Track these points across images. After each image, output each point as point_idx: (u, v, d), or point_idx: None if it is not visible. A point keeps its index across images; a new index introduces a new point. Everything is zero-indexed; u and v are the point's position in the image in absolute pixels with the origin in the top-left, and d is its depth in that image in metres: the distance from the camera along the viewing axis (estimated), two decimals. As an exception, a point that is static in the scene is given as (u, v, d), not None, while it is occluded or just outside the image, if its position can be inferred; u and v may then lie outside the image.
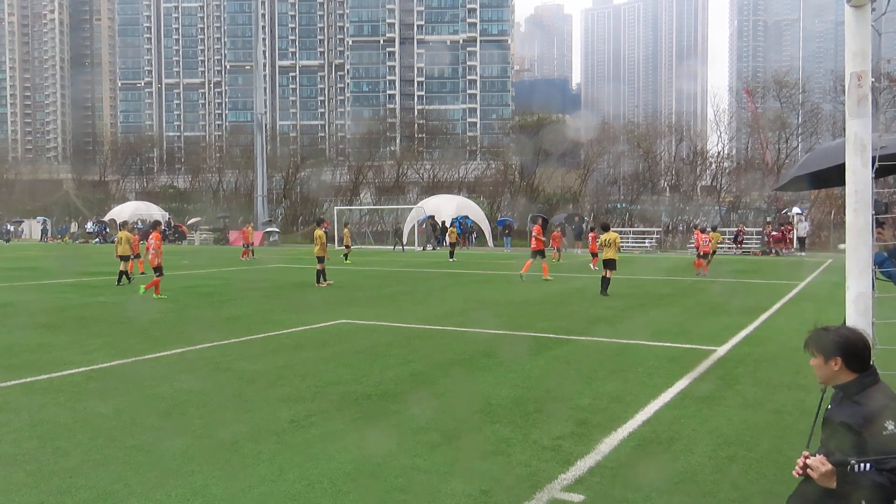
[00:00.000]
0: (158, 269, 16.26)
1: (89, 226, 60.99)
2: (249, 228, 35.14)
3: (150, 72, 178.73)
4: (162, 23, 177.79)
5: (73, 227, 63.58)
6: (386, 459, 5.07)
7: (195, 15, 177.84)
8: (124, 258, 19.78)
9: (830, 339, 3.39)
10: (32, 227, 65.68)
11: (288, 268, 27.26)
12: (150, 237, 16.87)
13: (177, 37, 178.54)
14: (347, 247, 30.79)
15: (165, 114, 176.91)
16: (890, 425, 3.10)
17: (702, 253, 22.62)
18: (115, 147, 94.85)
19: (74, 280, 21.23)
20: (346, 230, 32.32)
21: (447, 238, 37.51)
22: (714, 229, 28.60)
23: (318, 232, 19.81)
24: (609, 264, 16.86)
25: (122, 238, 20.14)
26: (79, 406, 6.63)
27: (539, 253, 20.84)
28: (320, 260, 19.14)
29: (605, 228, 18.29)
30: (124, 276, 19.53)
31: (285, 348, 9.73)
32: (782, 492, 4.48)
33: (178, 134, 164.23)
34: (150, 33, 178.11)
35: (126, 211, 62.59)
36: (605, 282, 16.65)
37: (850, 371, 3.34)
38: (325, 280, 19.15)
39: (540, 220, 23.01)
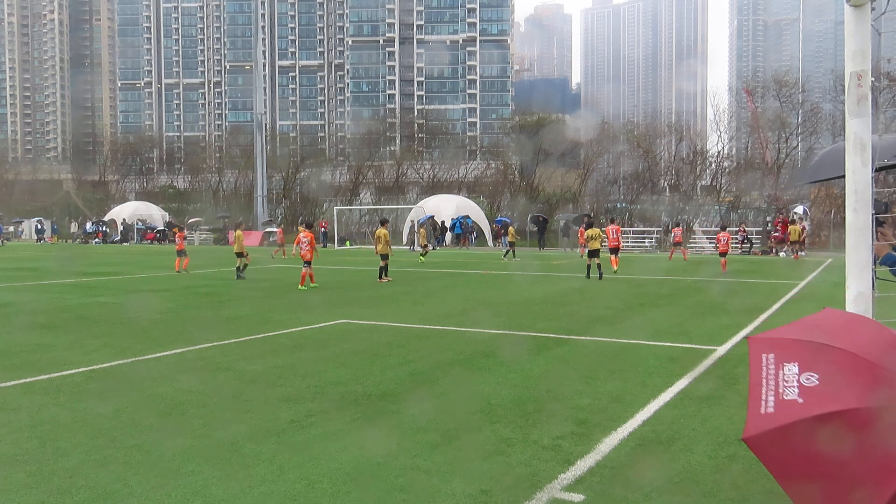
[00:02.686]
0: (308, 263, 18.55)
1: (89, 226, 61.02)
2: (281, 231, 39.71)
3: (149, 72, 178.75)
4: (162, 23, 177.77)
5: (74, 227, 63.60)
6: (386, 459, 5.07)
7: (195, 15, 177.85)
8: (239, 255, 21.70)
9: None
10: (31, 228, 65.72)
11: (288, 268, 27.24)
12: (302, 234, 19.31)
13: (176, 37, 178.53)
14: (424, 246, 31.72)
15: (165, 114, 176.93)
16: None
17: (721, 252, 24.71)
18: (114, 147, 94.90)
19: (74, 280, 21.23)
20: (421, 230, 34.33)
21: (507, 237, 36.61)
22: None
23: (382, 231, 21.17)
24: (593, 254, 20.85)
25: (238, 237, 22.36)
26: (79, 406, 6.63)
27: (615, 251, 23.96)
28: (383, 257, 20.38)
29: (590, 225, 22.25)
30: (242, 270, 21.49)
31: (285, 348, 9.73)
32: (782, 492, 4.48)
33: (178, 134, 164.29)
34: (150, 33, 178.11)
35: (126, 211, 62.66)
36: (598, 268, 20.65)
37: None
38: (386, 276, 20.22)
39: (586, 220, 26.53)
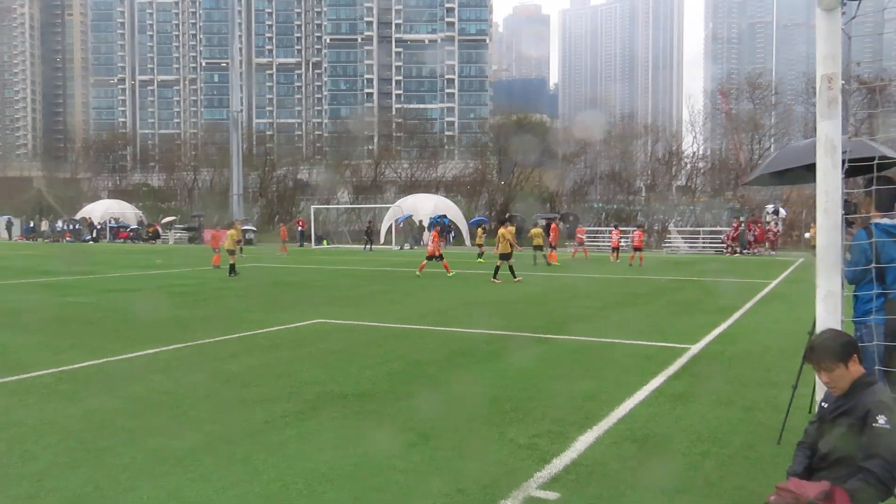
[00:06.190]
0: (431, 258, 22.16)
1: (59, 224, 60.15)
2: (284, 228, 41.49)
3: (123, 68, 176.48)
4: (136, 18, 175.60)
5: (44, 226, 62.60)
6: (362, 459, 5.06)
7: (170, 11, 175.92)
8: (231, 252, 22.26)
9: (841, 342, 3.47)
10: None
11: (264, 267, 27.07)
12: (431, 234, 23.62)
13: (151, 33, 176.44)
14: (480, 245, 31.93)
15: (139, 111, 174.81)
16: (881, 419, 3.19)
17: (635, 248, 28.86)
18: (87, 144, 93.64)
19: (44, 280, 20.91)
20: (479, 231, 34.80)
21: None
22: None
23: (502, 230, 21.66)
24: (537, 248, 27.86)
25: (230, 234, 22.86)
26: (48, 408, 6.53)
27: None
28: (503, 257, 20.64)
29: (502, 223, 24.26)
30: (232, 268, 21.89)
31: (261, 348, 9.66)
32: (754, 487, 4.54)
33: (153, 131, 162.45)
34: (124, 29, 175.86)
35: (99, 209, 61.82)
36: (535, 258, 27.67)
37: (860, 366, 3.43)
38: (496, 277, 20.38)
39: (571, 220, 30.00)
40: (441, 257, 22.37)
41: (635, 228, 32.70)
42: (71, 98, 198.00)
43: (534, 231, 28.23)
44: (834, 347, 3.42)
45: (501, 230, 21.62)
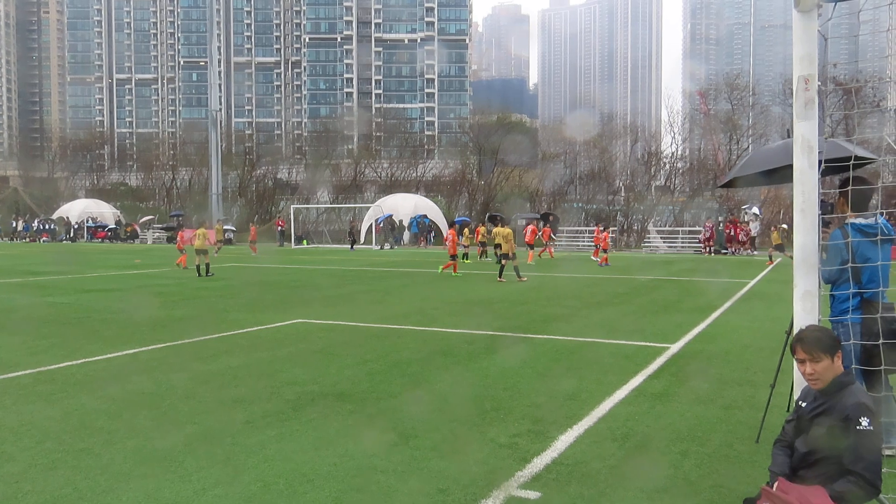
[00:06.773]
0: (453, 256, 22.67)
1: (35, 223, 59.40)
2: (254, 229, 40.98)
3: (100, 66, 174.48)
4: (113, 16, 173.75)
5: (19, 226, 61.72)
6: (342, 460, 5.05)
7: (148, 9, 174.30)
8: (201, 252, 21.46)
9: (831, 336, 3.52)
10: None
11: (244, 267, 26.91)
12: (448, 233, 24.00)
13: (129, 31, 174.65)
14: (466, 246, 31.73)
15: (117, 110, 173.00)
16: (864, 421, 3.23)
17: (595, 243, 28.86)
18: (64, 143, 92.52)
19: (22, 279, 20.63)
20: (465, 231, 34.25)
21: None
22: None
23: (500, 230, 21.81)
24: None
25: (199, 234, 21.99)
26: (26, 409, 6.45)
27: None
28: (504, 257, 21.09)
29: (500, 223, 24.39)
30: (204, 269, 21.27)
31: (240, 348, 9.59)
32: (733, 486, 4.59)
33: (130, 130, 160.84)
34: (101, 27, 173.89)
35: (76, 209, 61.13)
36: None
37: (841, 364, 3.49)
38: (503, 276, 20.41)
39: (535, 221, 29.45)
40: (453, 257, 22.54)
41: (604, 229, 32.07)
42: (47, 97, 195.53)
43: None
44: (825, 339, 3.49)
45: (499, 230, 21.92)
